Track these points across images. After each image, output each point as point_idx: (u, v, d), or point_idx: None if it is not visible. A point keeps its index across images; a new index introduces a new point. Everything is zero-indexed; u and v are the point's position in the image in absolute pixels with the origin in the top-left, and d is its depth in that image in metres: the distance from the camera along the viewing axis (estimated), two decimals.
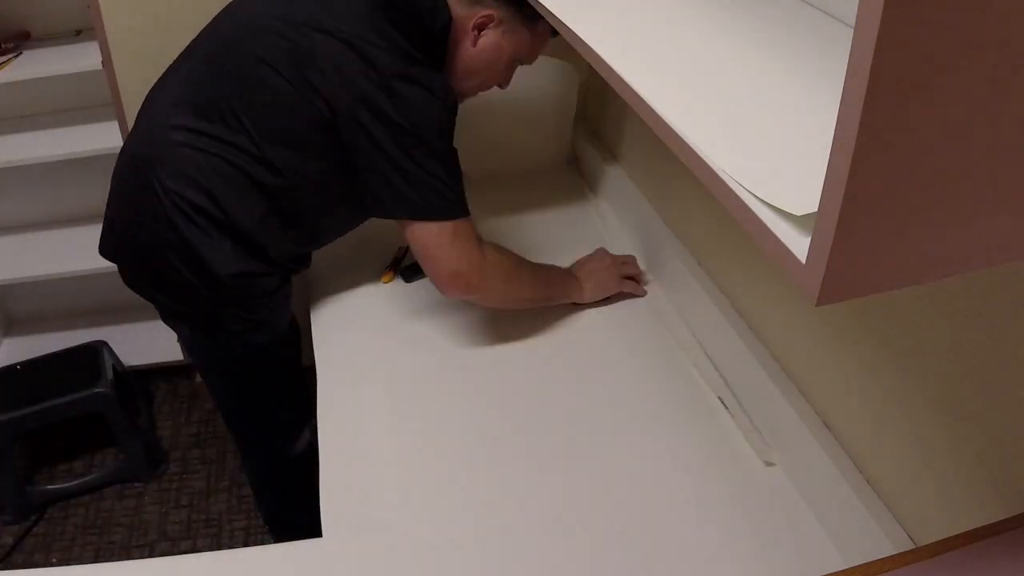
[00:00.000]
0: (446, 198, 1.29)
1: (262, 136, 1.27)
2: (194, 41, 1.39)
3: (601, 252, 1.58)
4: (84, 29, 2.23)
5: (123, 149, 1.41)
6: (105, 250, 1.46)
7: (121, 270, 1.45)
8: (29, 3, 2.01)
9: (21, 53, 1.99)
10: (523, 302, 1.47)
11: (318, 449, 1.28)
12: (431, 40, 1.29)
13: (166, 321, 1.49)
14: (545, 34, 1.38)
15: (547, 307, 1.53)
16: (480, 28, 1.32)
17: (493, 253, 1.37)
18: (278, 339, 1.50)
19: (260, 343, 1.46)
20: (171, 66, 1.40)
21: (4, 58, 1.95)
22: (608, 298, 1.56)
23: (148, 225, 1.33)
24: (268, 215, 1.32)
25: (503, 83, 1.47)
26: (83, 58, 2.04)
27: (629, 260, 1.60)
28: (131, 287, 1.45)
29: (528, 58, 1.42)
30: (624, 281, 1.55)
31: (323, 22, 1.24)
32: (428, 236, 1.30)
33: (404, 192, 1.27)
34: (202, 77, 1.32)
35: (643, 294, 1.57)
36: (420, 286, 1.62)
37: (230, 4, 1.39)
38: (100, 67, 1.84)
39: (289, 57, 1.24)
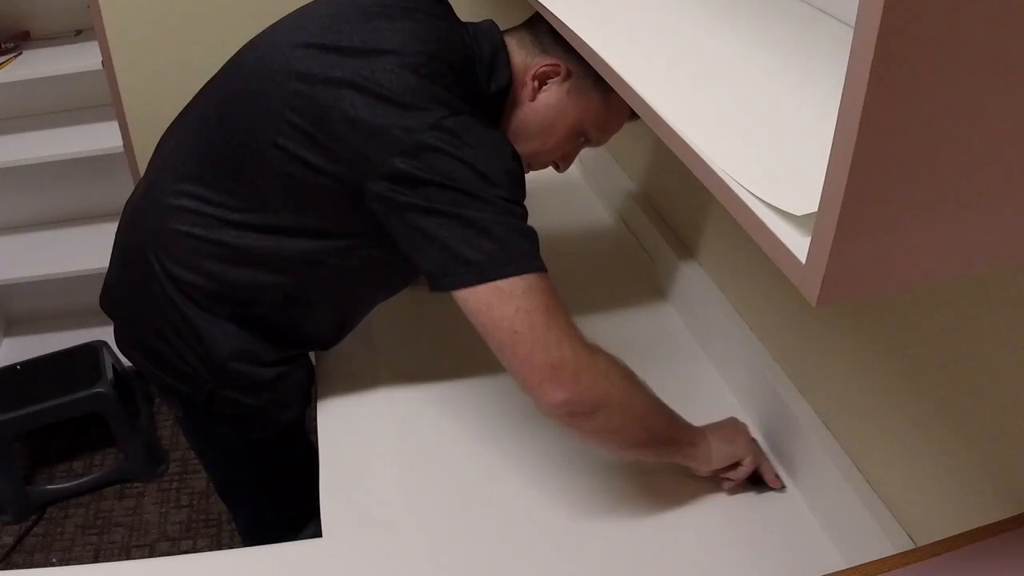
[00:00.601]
0: (514, 253, 0.97)
1: (273, 209, 1.08)
2: (212, 80, 1.21)
3: (736, 421, 1.20)
4: (84, 29, 2.23)
5: (128, 202, 1.26)
6: (104, 305, 1.31)
7: (116, 332, 1.30)
8: (29, 3, 2.01)
9: (21, 53, 1.99)
10: (641, 432, 1.06)
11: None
12: (484, 103, 1.09)
13: (160, 395, 1.35)
14: (621, 110, 1.14)
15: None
16: (542, 79, 1.11)
17: (600, 351, 1.02)
18: (282, 434, 1.34)
19: (260, 438, 1.32)
20: (185, 108, 1.23)
21: (4, 58, 1.95)
22: (608, 295, 1.56)
23: (144, 300, 1.19)
24: (278, 295, 1.15)
25: (562, 161, 1.21)
26: (83, 58, 2.04)
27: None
28: (121, 351, 1.30)
29: (596, 133, 1.17)
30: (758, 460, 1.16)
31: (358, 71, 1.01)
32: (494, 305, 0.96)
33: (456, 250, 0.97)
34: (211, 136, 1.13)
35: (779, 487, 1.18)
36: (420, 286, 1.62)
37: (256, 38, 1.18)
38: (100, 67, 1.84)
39: (305, 122, 1.03)
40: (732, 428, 1.17)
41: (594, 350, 1.01)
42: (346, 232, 1.10)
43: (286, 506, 1.44)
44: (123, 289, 1.25)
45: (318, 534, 1.21)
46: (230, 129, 1.11)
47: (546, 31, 1.11)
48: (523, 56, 1.13)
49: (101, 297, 1.31)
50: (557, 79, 1.12)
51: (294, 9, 1.23)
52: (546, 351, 0.95)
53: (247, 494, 1.46)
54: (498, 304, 0.96)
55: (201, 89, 1.22)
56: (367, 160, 0.99)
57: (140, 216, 1.20)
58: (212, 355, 1.17)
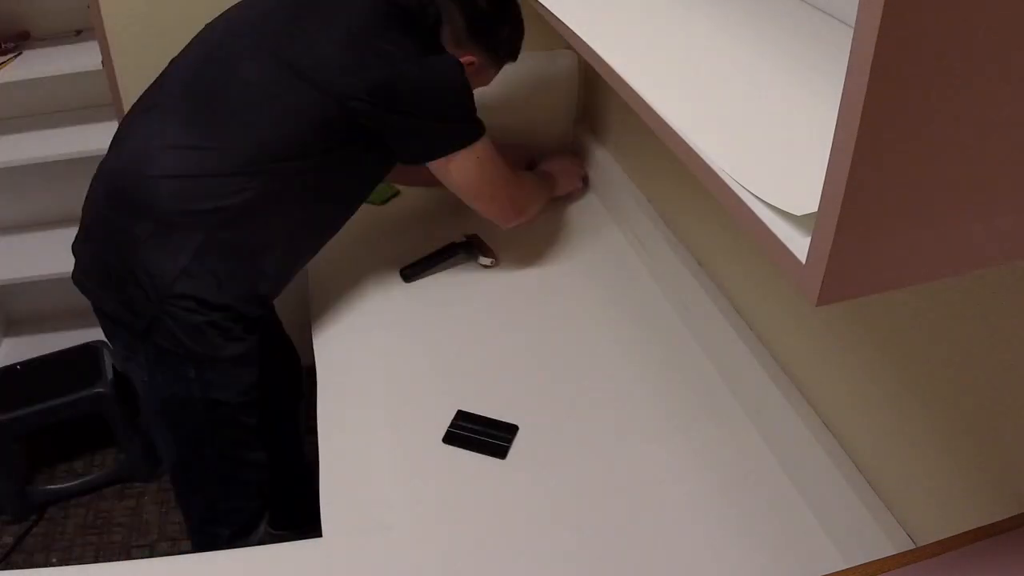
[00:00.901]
0: (470, 125, 1.39)
1: (238, 150, 1.28)
2: (176, 58, 1.41)
3: (567, 153, 1.84)
4: (84, 29, 2.23)
5: (106, 168, 1.37)
6: (76, 277, 1.43)
7: (91, 295, 1.41)
8: (29, 3, 2.02)
9: (21, 53, 1.99)
10: (533, 215, 1.61)
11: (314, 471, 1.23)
12: (428, 39, 1.39)
13: (126, 363, 1.46)
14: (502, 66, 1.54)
15: (545, 308, 1.55)
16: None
17: (524, 174, 1.59)
18: (236, 400, 1.40)
19: (216, 399, 1.38)
20: (152, 85, 1.40)
21: (4, 58, 1.95)
22: (608, 296, 1.56)
23: (120, 244, 1.32)
24: (242, 201, 1.29)
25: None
26: (83, 58, 2.04)
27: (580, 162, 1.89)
28: (79, 285, 1.42)
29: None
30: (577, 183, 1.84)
31: (317, 45, 1.30)
32: (467, 168, 1.40)
33: (434, 138, 1.37)
34: (189, 89, 1.33)
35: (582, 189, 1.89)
36: (420, 286, 1.62)
37: (215, 21, 1.42)
38: (100, 67, 1.84)
39: (278, 65, 1.29)
40: (565, 159, 1.86)
41: (521, 177, 1.56)
42: (319, 148, 1.32)
43: (239, 496, 1.51)
44: (95, 243, 1.38)
45: (267, 536, 1.22)
46: (209, 77, 1.32)
47: (464, 28, 1.41)
48: (447, 44, 1.41)
49: (73, 273, 1.43)
50: (471, 70, 1.42)
51: None
52: (506, 192, 1.49)
53: (201, 478, 1.50)
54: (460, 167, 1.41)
55: (162, 74, 1.40)
56: (353, 80, 1.28)
57: (116, 169, 1.35)
58: (162, 273, 1.29)
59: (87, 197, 1.40)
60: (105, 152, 1.41)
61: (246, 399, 1.42)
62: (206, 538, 1.56)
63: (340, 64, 1.29)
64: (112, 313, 1.38)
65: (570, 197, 1.88)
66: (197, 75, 1.34)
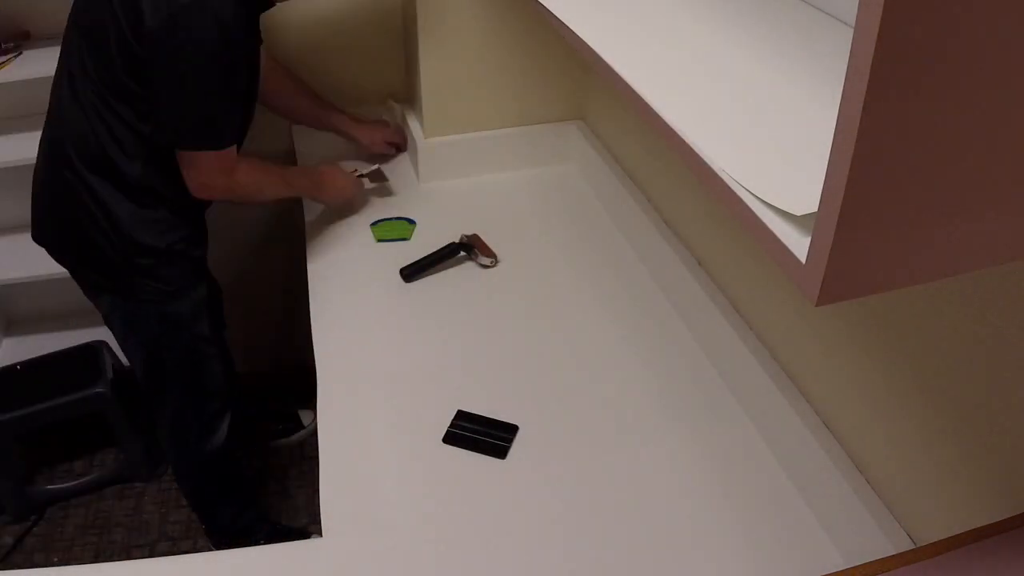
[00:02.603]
0: (206, 131, 1.43)
1: (108, 81, 1.40)
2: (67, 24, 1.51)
3: (350, 181, 1.80)
4: None
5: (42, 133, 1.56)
6: (36, 235, 1.61)
7: (51, 250, 1.60)
8: (29, 3, 2.01)
9: (21, 53, 1.99)
10: (261, 203, 1.85)
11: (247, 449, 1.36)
12: None
13: (89, 297, 1.64)
14: None
15: (545, 308, 1.55)
16: None
17: (245, 174, 1.54)
18: (191, 311, 1.62)
19: (172, 312, 1.59)
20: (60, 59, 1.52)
21: (4, 58, 1.95)
22: (609, 296, 1.56)
23: (66, 196, 1.49)
24: (147, 159, 1.46)
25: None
26: None
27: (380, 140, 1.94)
28: (60, 263, 1.61)
29: None
30: (358, 190, 1.83)
31: None
32: (197, 159, 1.45)
33: (186, 122, 1.41)
34: (71, 40, 1.45)
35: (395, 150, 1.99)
36: (420, 286, 1.62)
37: None
38: None
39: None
40: (337, 174, 1.78)
41: (237, 175, 1.53)
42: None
43: (202, 399, 1.74)
44: (48, 200, 1.55)
45: (232, 438, 1.57)
46: (77, 21, 1.43)
47: None
48: None
49: (32, 231, 1.61)
50: None
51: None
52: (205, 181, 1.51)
53: (167, 386, 1.71)
54: (187, 157, 1.47)
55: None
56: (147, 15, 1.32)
57: (55, 125, 1.51)
58: (120, 229, 1.48)
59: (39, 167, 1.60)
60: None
61: (197, 311, 1.64)
62: (179, 441, 1.81)
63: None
64: (74, 258, 1.58)
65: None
66: (72, 35, 1.46)
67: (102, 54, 1.39)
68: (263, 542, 1.97)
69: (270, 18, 1.87)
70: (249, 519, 2.01)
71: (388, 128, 1.99)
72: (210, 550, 2.00)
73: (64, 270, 2.11)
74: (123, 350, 1.73)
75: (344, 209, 1.82)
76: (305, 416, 2.36)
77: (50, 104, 1.53)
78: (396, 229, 1.78)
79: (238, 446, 2.19)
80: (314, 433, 2.20)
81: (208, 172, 1.47)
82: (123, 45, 1.35)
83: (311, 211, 1.86)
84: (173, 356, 1.67)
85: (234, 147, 1.48)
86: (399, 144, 2.00)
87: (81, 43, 1.42)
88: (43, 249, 1.63)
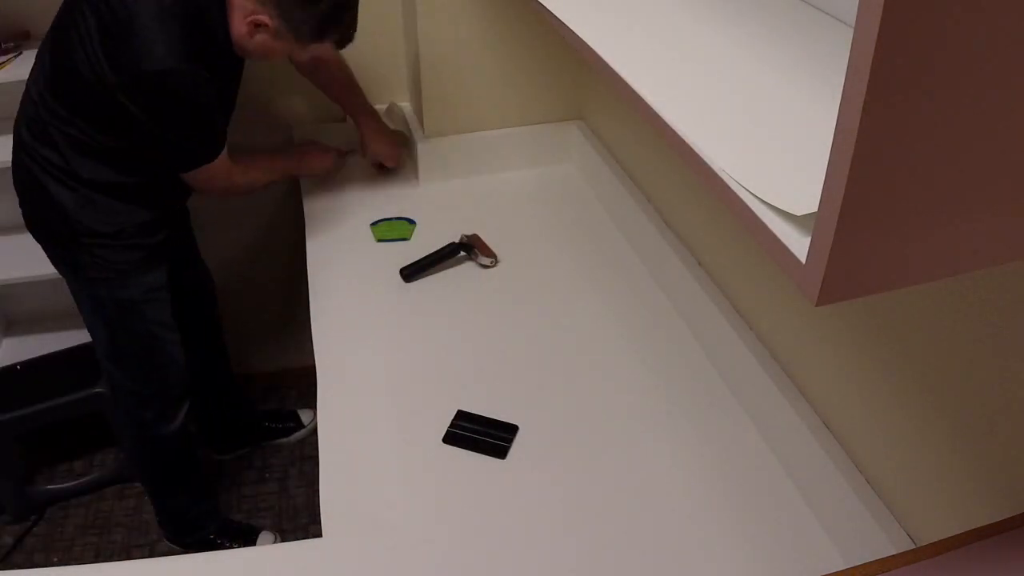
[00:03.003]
0: (201, 151, 1.53)
1: (69, 92, 1.44)
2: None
3: (328, 162, 1.91)
4: None
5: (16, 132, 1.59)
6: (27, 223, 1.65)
7: (29, 230, 1.64)
8: (29, 3, 2.01)
9: (21, 53, 1.99)
10: (256, 191, 1.78)
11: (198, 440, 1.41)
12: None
13: (61, 274, 1.68)
14: (325, 48, 1.56)
15: (545, 308, 1.55)
16: (255, 26, 1.44)
17: (239, 174, 1.65)
18: (143, 296, 1.65)
19: (125, 297, 1.64)
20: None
21: (4, 58, 1.94)
22: (609, 296, 1.56)
23: (26, 178, 1.55)
24: (99, 159, 1.50)
25: (294, 62, 1.80)
26: None
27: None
28: (37, 240, 1.65)
29: (310, 56, 1.63)
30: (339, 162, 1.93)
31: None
32: (193, 176, 1.56)
33: (178, 152, 1.52)
34: (43, 47, 1.50)
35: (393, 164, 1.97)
36: (420, 286, 1.62)
37: None
38: None
39: (96, 27, 1.38)
40: (315, 148, 1.91)
41: (233, 177, 1.64)
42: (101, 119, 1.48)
43: (157, 382, 1.77)
44: (15, 183, 1.60)
45: (187, 428, 1.62)
46: (51, 34, 1.48)
47: None
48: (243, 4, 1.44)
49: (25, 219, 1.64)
50: (267, 31, 1.44)
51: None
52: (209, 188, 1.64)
53: (123, 365, 1.75)
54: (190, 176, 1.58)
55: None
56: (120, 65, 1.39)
57: (19, 112, 1.56)
58: (68, 214, 1.53)
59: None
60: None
61: (151, 297, 1.67)
62: (134, 421, 1.83)
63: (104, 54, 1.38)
64: (37, 235, 1.63)
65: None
66: (50, 36, 1.49)
67: (66, 63, 1.42)
68: (213, 537, 2.01)
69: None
70: (200, 512, 2.01)
71: (395, 150, 1.97)
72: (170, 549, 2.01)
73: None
74: (87, 326, 1.76)
75: (325, 177, 1.93)
76: (305, 415, 2.36)
77: (25, 91, 1.57)
78: (396, 229, 1.78)
79: (231, 446, 2.29)
80: (314, 432, 2.21)
81: (208, 181, 1.59)
82: (92, 68, 1.39)
83: (312, 211, 1.86)
84: (129, 338, 1.71)
85: (224, 151, 1.56)
86: (388, 165, 2.00)
87: (53, 46, 1.46)
88: (43, 249, 1.64)
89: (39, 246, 1.65)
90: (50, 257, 1.66)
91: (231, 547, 1.98)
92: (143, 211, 1.60)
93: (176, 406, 1.81)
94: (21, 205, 1.62)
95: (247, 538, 2.01)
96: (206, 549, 1.91)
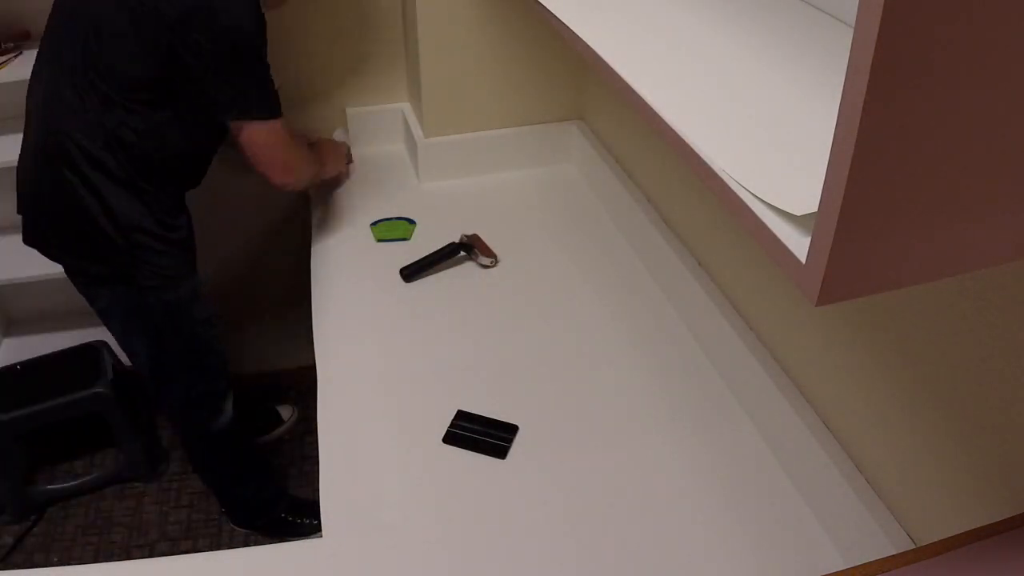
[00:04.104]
0: (271, 101, 1.47)
1: (117, 81, 1.40)
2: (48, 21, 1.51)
3: (337, 143, 1.90)
4: None
5: (28, 133, 1.55)
6: (29, 238, 1.60)
7: (46, 251, 1.60)
8: (29, 3, 2.01)
9: (21, 53, 1.99)
10: (306, 185, 1.76)
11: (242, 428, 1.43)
12: None
13: (86, 293, 1.64)
14: None
15: (545, 308, 1.55)
16: None
17: (303, 156, 1.63)
18: (190, 296, 1.65)
19: (173, 299, 1.62)
20: (43, 36, 1.52)
21: (4, 58, 1.95)
22: (609, 296, 1.56)
23: (62, 193, 1.49)
24: (154, 149, 1.47)
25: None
26: None
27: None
28: (58, 260, 1.61)
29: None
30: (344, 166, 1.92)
31: None
32: (260, 135, 1.48)
33: (237, 95, 1.44)
34: (65, 37, 1.45)
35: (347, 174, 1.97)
36: (420, 286, 1.62)
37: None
38: None
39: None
40: (334, 146, 1.89)
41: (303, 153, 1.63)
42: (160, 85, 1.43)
43: (206, 380, 1.78)
44: (43, 199, 1.53)
45: (235, 418, 1.58)
46: (73, 17, 1.44)
47: None
48: None
49: (24, 234, 1.59)
50: None
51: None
52: (284, 156, 1.57)
53: (172, 371, 1.73)
54: (256, 134, 1.50)
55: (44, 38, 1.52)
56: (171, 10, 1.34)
57: (49, 122, 1.49)
58: (118, 218, 1.49)
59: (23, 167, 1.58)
60: None
61: (195, 295, 1.66)
62: (188, 422, 1.85)
63: None
64: (72, 254, 1.58)
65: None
66: (67, 30, 1.45)
67: (108, 45, 1.38)
68: (283, 515, 2.05)
69: (268, 18, 1.87)
70: (269, 494, 2.05)
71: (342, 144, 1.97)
72: (210, 549, 2.00)
73: (63, 270, 2.13)
74: (122, 344, 1.73)
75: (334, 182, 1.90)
76: (284, 411, 2.37)
77: (39, 101, 1.51)
78: (396, 229, 1.78)
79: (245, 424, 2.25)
80: (293, 428, 2.22)
81: (269, 147, 1.51)
82: (139, 33, 1.35)
83: (314, 211, 1.86)
84: (178, 342, 1.69)
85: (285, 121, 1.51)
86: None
87: (85, 34, 1.41)
88: (76, 273, 1.64)
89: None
90: (90, 279, 1.61)
91: (304, 523, 2.02)
92: (185, 211, 1.60)
93: (224, 398, 1.83)
94: (53, 234, 1.57)
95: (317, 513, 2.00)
96: (278, 529, 2.03)
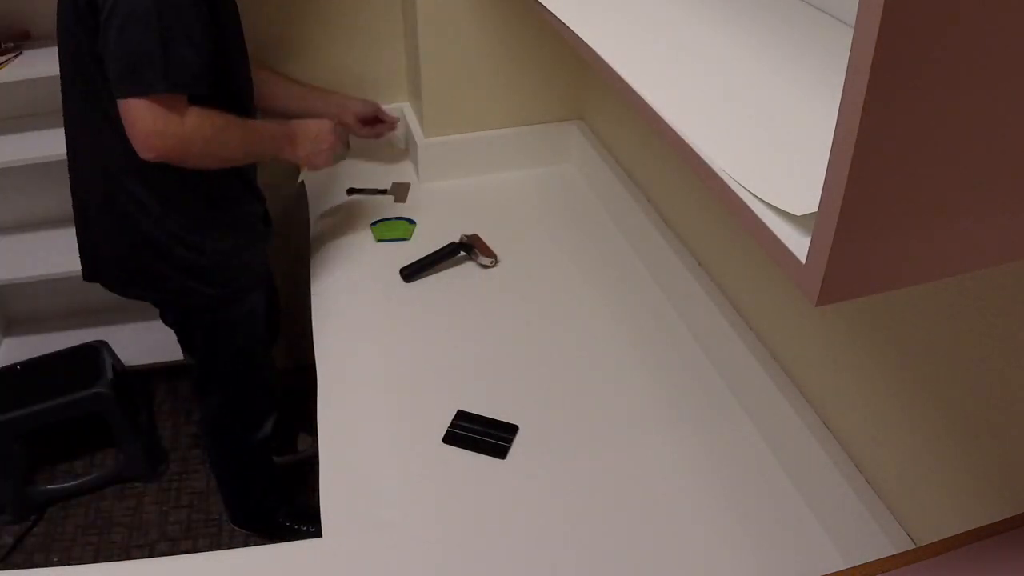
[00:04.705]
0: (146, 73, 1.26)
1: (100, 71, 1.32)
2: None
3: (325, 123, 1.62)
4: None
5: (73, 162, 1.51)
6: (88, 274, 1.59)
7: (108, 285, 1.59)
8: (29, 3, 2.01)
9: (21, 53, 1.99)
10: (231, 161, 1.48)
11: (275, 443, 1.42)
12: None
13: (161, 315, 1.65)
14: None
15: (545, 308, 1.54)
16: None
17: (194, 119, 1.34)
18: (244, 317, 1.64)
19: (226, 320, 1.62)
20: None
21: (4, 58, 1.95)
22: (609, 296, 1.56)
23: (116, 219, 1.46)
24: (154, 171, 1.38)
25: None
26: None
27: (370, 116, 1.86)
28: (124, 295, 1.60)
29: None
30: (339, 151, 1.66)
31: None
32: (130, 109, 1.28)
33: (116, 69, 1.27)
34: (62, 67, 1.42)
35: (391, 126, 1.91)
36: (420, 286, 1.62)
37: None
38: None
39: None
40: (318, 127, 1.61)
41: (186, 120, 1.35)
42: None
43: (249, 397, 1.78)
44: (104, 230, 1.50)
45: (274, 434, 1.59)
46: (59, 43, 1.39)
47: None
48: None
49: (84, 270, 1.58)
50: None
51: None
52: (148, 130, 1.33)
53: (216, 382, 1.74)
54: (126, 107, 1.31)
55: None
56: None
57: (96, 150, 1.44)
58: (172, 238, 1.47)
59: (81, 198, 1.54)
60: None
61: (251, 316, 1.65)
62: (224, 433, 1.85)
63: None
64: (136, 287, 1.56)
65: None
66: (61, 45, 1.41)
67: (85, 57, 1.34)
68: (283, 521, 2.04)
69: (271, 18, 1.87)
70: (272, 500, 2.05)
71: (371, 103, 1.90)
72: (210, 549, 2.00)
73: (64, 270, 2.14)
74: (180, 341, 1.74)
75: (316, 163, 1.63)
76: (302, 441, 2.30)
77: (78, 130, 1.46)
78: (396, 229, 1.78)
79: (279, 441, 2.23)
80: (305, 460, 2.19)
81: (145, 122, 1.28)
82: (88, 33, 1.30)
83: (314, 212, 1.86)
84: (224, 360, 1.69)
85: (179, 96, 1.31)
86: (382, 118, 1.90)
87: (73, 54, 1.38)
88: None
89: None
90: (156, 302, 1.62)
91: (303, 530, 2.00)
92: (237, 228, 1.56)
93: (265, 416, 1.82)
94: (112, 267, 1.55)
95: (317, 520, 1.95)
96: (276, 533, 2.02)
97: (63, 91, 1.45)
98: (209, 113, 1.36)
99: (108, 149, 1.40)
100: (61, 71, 1.43)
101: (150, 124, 1.28)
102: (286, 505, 2.06)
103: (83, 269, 1.60)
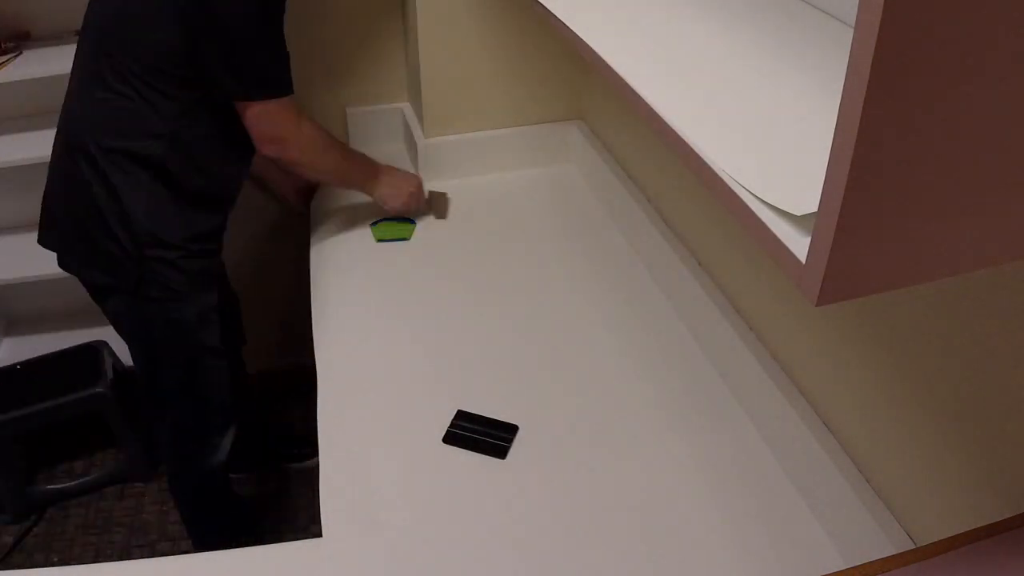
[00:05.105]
0: (271, 79, 1.42)
1: (140, 71, 1.37)
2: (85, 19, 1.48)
3: (415, 177, 1.78)
4: None
5: (55, 140, 1.52)
6: (43, 239, 1.56)
7: (59, 254, 1.56)
8: (29, 3, 2.01)
9: (21, 53, 1.99)
10: (326, 174, 1.67)
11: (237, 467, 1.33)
12: None
13: (97, 302, 1.59)
14: None
15: (546, 309, 1.55)
16: None
17: (309, 127, 1.52)
18: (197, 318, 1.56)
19: (178, 319, 1.54)
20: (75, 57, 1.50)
21: (4, 58, 1.95)
22: (609, 296, 1.56)
23: (77, 192, 1.45)
24: (174, 140, 1.42)
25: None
26: None
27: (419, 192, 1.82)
28: (65, 268, 1.56)
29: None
30: (415, 206, 1.78)
31: None
32: (258, 113, 1.43)
33: (238, 75, 1.38)
34: (86, 45, 1.44)
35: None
36: (421, 286, 1.62)
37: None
38: None
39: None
40: (406, 179, 1.76)
41: (302, 124, 1.51)
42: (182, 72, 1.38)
43: (203, 412, 1.68)
44: (60, 196, 1.50)
45: (230, 457, 1.49)
46: (92, 23, 1.43)
47: None
48: None
49: (40, 235, 1.56)
50: None
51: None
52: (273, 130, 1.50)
53: (165, 394, 1.65)
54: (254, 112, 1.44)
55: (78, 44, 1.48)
56: None
57: (72, 122, 1.46)
58: (132, 223, 1.43)
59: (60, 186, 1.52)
60: None
61: (205, 318, 1.58)
62: (176, 454, 1.76)
63: None
64: (80, 259, 1.53)
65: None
66: (98, 30, 1.43)
67: (129, 28, 1.36)
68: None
69: None
70: (239, 542, 1.89)
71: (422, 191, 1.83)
72: None
73: (63, 270, 2.13)
74: (131, 353, 1.66)
75: (392, 205, 1.75)
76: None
77: (68, 94, 1.48)
78: (396, 229, 1.78)
79: (244, 466, 2.19)
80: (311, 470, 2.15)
81: (276, 123, 1.46)
82: (154, 12, 1.33)
83: (313, 212, 1.86)
84: (174, 364, 1.60)
85: (294, 98, 1.47)
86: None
87: (110, 24, 1.39)
88: (44, 249, 1.62)
89: (39, 246, 1.63)
90: (98, 288, 1.56)
91: None
92: (207, 222, 1.53)
93: (220, 434, 1.71)
94: (66, 235, 1.52)
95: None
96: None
97: (96, 55, 1.42)
98: (317, 124, 1.55)
99: (116, 127, 1.41)
100: (83, 46, 1.45)
101: (283, 126, 1.46)
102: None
103: (39, 232, 1.57)
